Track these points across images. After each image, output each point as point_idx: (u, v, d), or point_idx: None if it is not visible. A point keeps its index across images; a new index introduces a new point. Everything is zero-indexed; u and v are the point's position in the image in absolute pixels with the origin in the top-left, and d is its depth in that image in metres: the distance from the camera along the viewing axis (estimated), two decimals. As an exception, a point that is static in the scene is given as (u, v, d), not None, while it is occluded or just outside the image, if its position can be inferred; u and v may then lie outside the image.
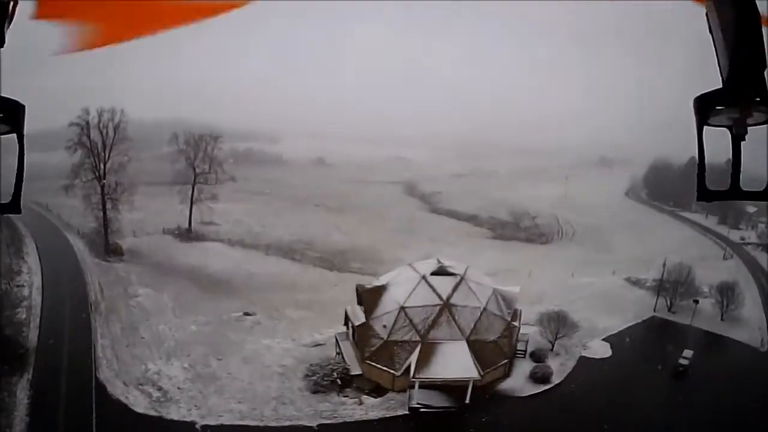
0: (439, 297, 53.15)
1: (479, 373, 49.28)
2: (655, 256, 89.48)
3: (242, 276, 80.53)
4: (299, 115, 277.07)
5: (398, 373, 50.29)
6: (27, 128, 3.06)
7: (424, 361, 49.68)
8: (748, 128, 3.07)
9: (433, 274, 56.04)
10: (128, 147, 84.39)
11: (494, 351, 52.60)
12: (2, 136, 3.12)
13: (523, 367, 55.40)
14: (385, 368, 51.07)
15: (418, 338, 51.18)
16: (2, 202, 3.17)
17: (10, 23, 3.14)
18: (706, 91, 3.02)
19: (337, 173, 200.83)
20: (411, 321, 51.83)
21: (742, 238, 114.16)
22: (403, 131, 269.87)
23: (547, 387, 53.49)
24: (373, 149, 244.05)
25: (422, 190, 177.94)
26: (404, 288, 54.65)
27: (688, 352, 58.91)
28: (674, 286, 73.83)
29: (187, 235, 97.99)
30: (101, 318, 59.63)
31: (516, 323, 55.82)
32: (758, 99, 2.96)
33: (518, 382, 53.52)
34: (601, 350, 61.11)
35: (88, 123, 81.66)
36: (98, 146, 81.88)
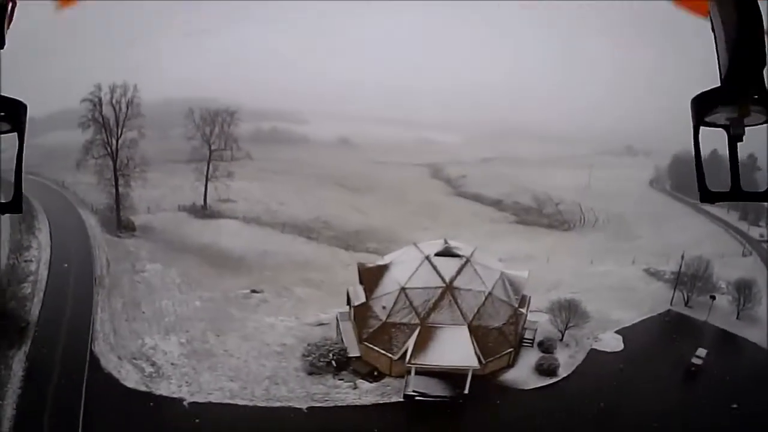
0: (442, 279, 51.05)
1: (480, 361, 47.37)
2: (675, 248, 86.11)
3: (255, 253, 78.90)
4: (328, 95, 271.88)
5: (395, 357, 48.50)
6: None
7: (421, 345, 47.74)
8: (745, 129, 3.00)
9: (437, 255, 53.73)
10: (141, 123, 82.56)
11: (498, 339, 50.49)
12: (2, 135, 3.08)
13: (530, 357, 53.26)
14: (382, 351, 49.31)
15: (417, 321, 49.31)
16: (3, 201, 3.11)
17: (9, 24, 3.06)
18: (704, 90, 2.95)
19: (362, 154, 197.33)
20: (411, 303, 49.87)
21: (762, 236, 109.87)
22: (431, 114, 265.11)
23: (553, 380, 51.27)
24: (401, 131, 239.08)
25: (447, 173, 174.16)
26: (407, 268, 52.66)
27: (701, 351, 56.11)
28: (692, 280, 70.73)
29: (202, 212, 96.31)
30: (104, 292, 58.86)
31: (523, 310, 53.34)
32: (756, 98, 2.88)
33: (522, 373, 51.39)
34: (612, 343, 58.58)
35: (100, 99, 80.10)
36: (110, 122, 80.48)
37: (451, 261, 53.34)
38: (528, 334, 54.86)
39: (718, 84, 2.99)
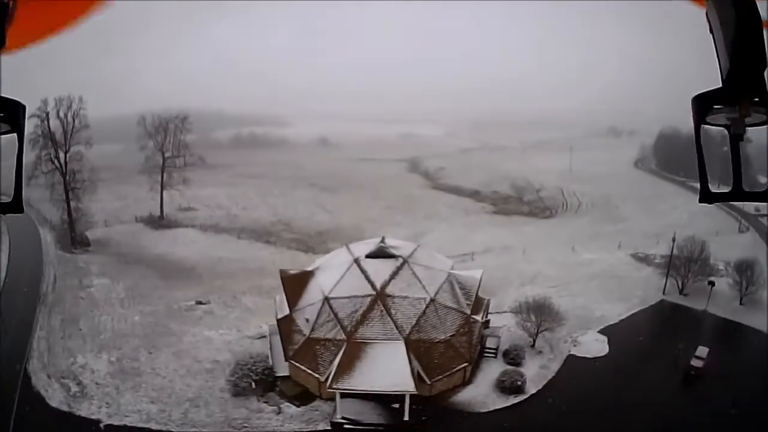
0: (372, 285, 40.21)
1: (424, 382, 37.38)
2: (665, 229, 77.51)
3: (208, 262, 73.63)
4: (308, 97, 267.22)
5: (323, 378, 38.48)
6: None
7: (347, 366, 37.64)
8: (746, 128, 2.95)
9: (369, 256, 42.68)
10: (90, 135, 78.24)
11: (446, 353, 39.87)
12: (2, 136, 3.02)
13: (493, 370, 42.83)
14: (309, 371, 39.73)
15: (343, 336, 38.94)
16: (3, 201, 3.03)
17: (10, 23, 2.97)
18: (705, 90, 2.90)
19: (340, 152, 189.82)
20: (336, 315, 39.75)
21: (757, 209, 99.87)
22: (413, 109, 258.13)
23: (519, 399, 40.34)
24: (382, 127, 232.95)
25: (426, 166, 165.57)
26: (333, 274, 42.44)
27: (702, 351, 45.33)
28: (686, 263, 60.10)
29: (158, 222, 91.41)
30: (46, 310, 55.33)
31: (478, 317, 41.95)
32: (757, 99, 2.84)
33: (481, 391, 40.88)
34: (595, 347, 47.53)
35: (47, 114, 75.10)
36: (57, 136, 76.36)
37: (386, 263, 42.41)
38: (491, 343, 44.02)
39: (703, 76, 3.02)
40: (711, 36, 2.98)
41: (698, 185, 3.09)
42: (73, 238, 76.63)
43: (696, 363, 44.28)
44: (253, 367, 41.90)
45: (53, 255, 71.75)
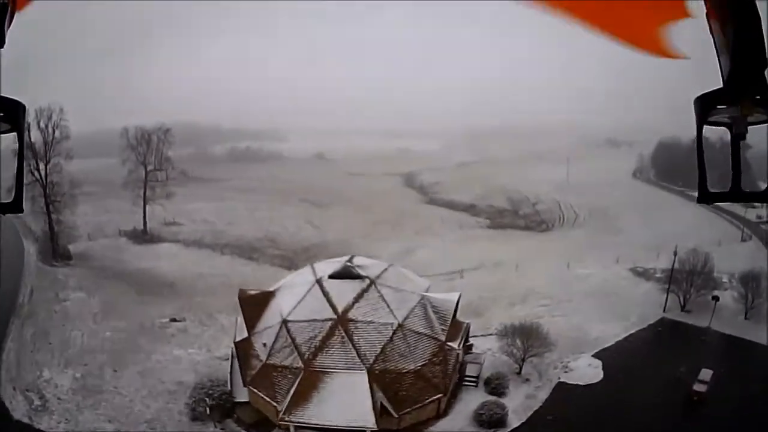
0: (333, 308, 35.51)
1: (390, 416, 32.86)
2: (665, 240, 72.71)
3: (188, 278, 70.87)
4: (305, 112, 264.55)
5: (280, 407, 34.35)
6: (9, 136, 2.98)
7: (303, 396, 33.76)
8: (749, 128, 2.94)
9: (333, 277, 38.15)
10: (70, 147, 75.28)
11: (416, 384, 35.39)
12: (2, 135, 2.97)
13: (472, 400, 38.37)
14: (267, 398, 35.83)
15: (300, 364, 34.62)
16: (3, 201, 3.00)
17: (10, 23, 2.92)
18: (707, 90, 2.89)
19: (336, 167, 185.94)
20: (293, 340, 35.13)
21: (759, 217, 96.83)
22: (410, 123, 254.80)
23: (500, 433, 35.21)
24: (379, 142, 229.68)
25: (422, 180, 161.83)
26: (293, 295, 37.84)
27: (705, 374, 40.80)
28: (689, 277, 55.60)
29: (142, 236, 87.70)
30: (18, 322, 53.80)
31: (454, 344, 37.22)
32: (759, 98, 2.82)
33: (457, 424, 36.63)
34: (588, 373, 42.79)
35: (29, 124, 68.45)
36: (37, 147, 72.74)
37: (351, 284, 37.86)
38: (471, 370, 39.40)
39: (705, 79, 2.95)
40: (711, 36, 2.93)
41: (696, 194, 3.01)
42: (55, 251, 74.13)
43: (699, 388, 39.84)
44: (211, 391, 39.03)
45: (33, 267, 69.91)
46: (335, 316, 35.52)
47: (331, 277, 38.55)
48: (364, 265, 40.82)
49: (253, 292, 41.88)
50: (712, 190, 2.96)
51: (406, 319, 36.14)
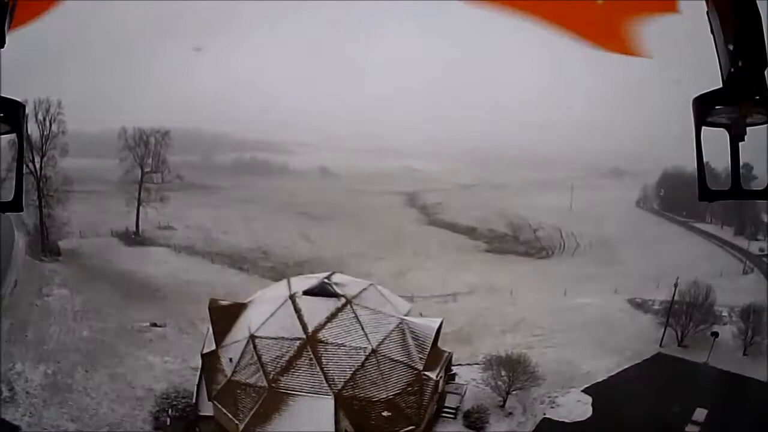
0: (303, 327, 32.98)
1: None
2: (666, 271, 70.39)
3: (174, 284, 69.95)
4: (313, 126, 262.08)
5: (241, 425, 32.50)
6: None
7: (264, 418, 31.80)
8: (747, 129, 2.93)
9: (307, 293, 35.68)
10: (66, 142, 74.42)
11: (388, 415, 32.07)
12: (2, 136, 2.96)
13: (451, 434, 34.93)
14: (230, 416, 33.77)
15: (264, 383, 32.25)
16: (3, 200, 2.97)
17: (10, 23, 2.94)
18: (706, 91, 2.89)
19: (339, 183, 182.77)
20: (259, 358, 32.57)
21: (762, 250, 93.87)
22: (417, 142, 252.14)
23: (476, 473, 32.72)
24: (384, 160, 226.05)
25: (424, 200, 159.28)
26: (264, 310, 35.41)
27: (699, 414, 38.30)
28: (688, 310, 53.21)
29: (133, 238, 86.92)
30: None
31: (432, 374, 34.53)
32: (758, 98, 2.80)
33: (432, 461, 33.12)
34: (576, 409, 40.35)
35: (26, 116, 67.22)
36: (33, 139, 70.92)
37: (325, 303, 35.28)
38: (451, 401, 36.68)
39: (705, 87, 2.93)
40: (712, 36, 2.91)
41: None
42: (44, 246, 72.67)
43: (692, 429, 37.25)
44: (175, 402, 37.94)
45: (21, 260, 68.50)
46: (304, 336, 33.09)
47: (305, 293, 36.12)
48: (342, 282, 38.32)
49: (224, 303, 39.66)
50: (712, 188, 2.89)
51: (380, 344, 33.57)
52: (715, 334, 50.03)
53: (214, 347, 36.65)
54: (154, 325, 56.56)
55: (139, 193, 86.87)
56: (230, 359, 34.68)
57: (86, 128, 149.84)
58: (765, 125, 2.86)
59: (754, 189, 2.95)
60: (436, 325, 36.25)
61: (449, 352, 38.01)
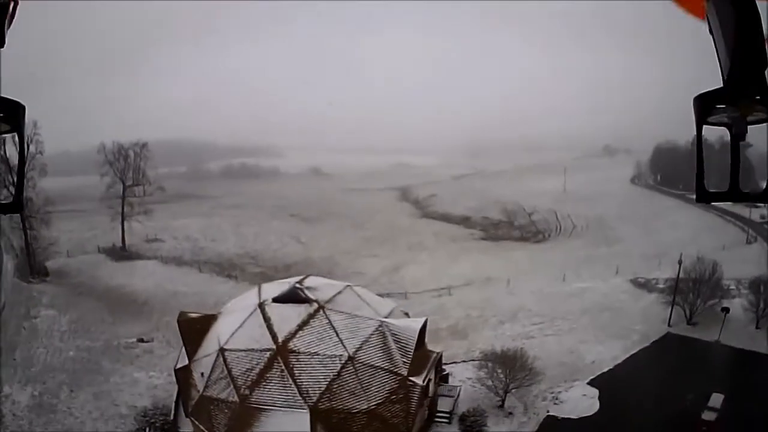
0: (273, 337, 29.32)
1: None
2: (667, 248, 67.24)
3: (162, 296, 67.43)
4: (303, 128, 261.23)
5: None
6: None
7: None
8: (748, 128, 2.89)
9: (277, 300, 31.98)
10: (45, 162, 71.96)
11: (371, 425, 29.32)
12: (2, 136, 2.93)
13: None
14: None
15: (236, 398, 29.09)
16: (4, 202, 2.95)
17: (11, 23, 2.89)
18: (706, 90, 2.81)
19: (331, 183, 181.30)
20: (230, 371, 28.97)
21: (763, 217, 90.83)
22: (409, 138, 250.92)
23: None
24: (377, 157, 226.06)
25: (417, 194, 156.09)
26: (233, 320, 31.81)
27: (716, 399, 34.83)
28: (695, 287, 49.39)
29: (120, 253, 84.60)
30: None
31: (419, 378, 30.58)
32: (758, 98, 2.71)
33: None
34: (582, 404, 36.50)
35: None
36: (11, 163, 69.52)
37: (297, 309, 31.40)
38: (444, 405, 32.95)
39: (700, 80, 2.96)
40: (711, 36, 2.87)
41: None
42: (32, 267, 71.27)
43: (708, 416, 33.75)
44: (153, 419, 36.09)
45: (10, 283, 65.58)
46: (274, 346, 29.37)
47: (275, 300, 32.32)
48: (314, 286, 34.37)
49: (194, 316, 35.92)
50: (710, 190, 2.84)
51: (358, 350, 29.63)
52: (726, 310, 46.40)
53: (186, 362, 33.15)
54: (141, 340, 55.12)
55: (123, 208, 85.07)
56: (202, 374, 31.32)
57: (70, 147, 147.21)
58: (766, 124, 2.77)
59: (753, 192, 2.87)
60: (419, 325, 32.17)
61: (438, 353, 34.07)
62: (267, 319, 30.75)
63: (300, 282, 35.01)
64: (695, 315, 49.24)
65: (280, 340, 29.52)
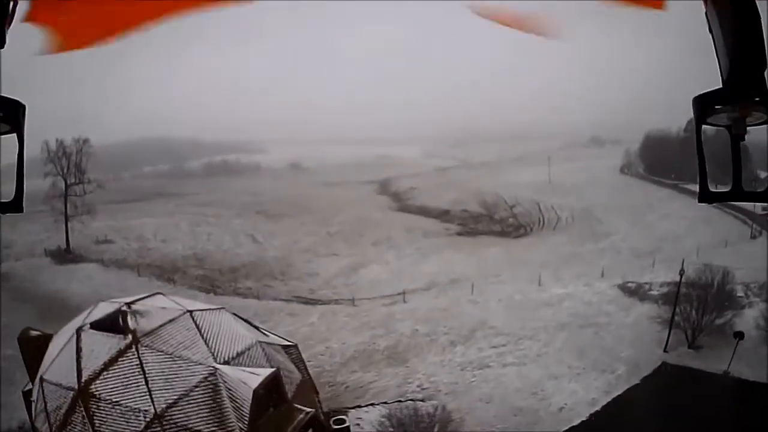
0: (78, 375, 16.72)
1: None
2: (660, 243, 55.70)
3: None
4: (284, 122, 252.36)
5: None
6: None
7: None
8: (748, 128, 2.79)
9: (95, 327, 19.34)
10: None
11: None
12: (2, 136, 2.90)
13: None
14: None
15: None
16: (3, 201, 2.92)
17: (10, 23, 2.82)
18: (706, 90, 2.75)
19: (310, 177, 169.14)
20: (46, 405, 16.01)
21: (765, 209, 77.30)
22: (391, 130, 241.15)
23: None
24: (359, 150, 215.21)
25: (397, 187, 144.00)
26: (57, 344, 18.53)
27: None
28: (699, 301, 36.87)
29: (65, 256, 78.08)
30: None
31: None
32: (758, 99, 2.68)
33: None
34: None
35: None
36: None
37: (111, 341, 18.83)
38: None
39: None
40: (710, 36, 2.79)
41: (691, 187, 4.20)
42: None
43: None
44: None
45: None
46: (76, 386, 17.43)
47: (92, 326, 20.19)
48: (146, 310, 22.04)
49: (34, 334, 23.65)
50: (713, 190, 2.83)
51: (171, 406, 17.32)
52: (740, 335, 34.14)
53: (30, 386, 21.29)
54: None
55: (66, 208, 78.98)
56: (32, 400, 19.57)
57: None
58: (765, 125, 2.69)
59: (756, 191, 2.79)
60: (261, 379, 19.88)
61: (307, 413, 21.97)
62: (78, 350, 18.61)
63: (134, 302, 22.60)
64: (698, 337, 37.12)
65: (83, 379, 17.48)
